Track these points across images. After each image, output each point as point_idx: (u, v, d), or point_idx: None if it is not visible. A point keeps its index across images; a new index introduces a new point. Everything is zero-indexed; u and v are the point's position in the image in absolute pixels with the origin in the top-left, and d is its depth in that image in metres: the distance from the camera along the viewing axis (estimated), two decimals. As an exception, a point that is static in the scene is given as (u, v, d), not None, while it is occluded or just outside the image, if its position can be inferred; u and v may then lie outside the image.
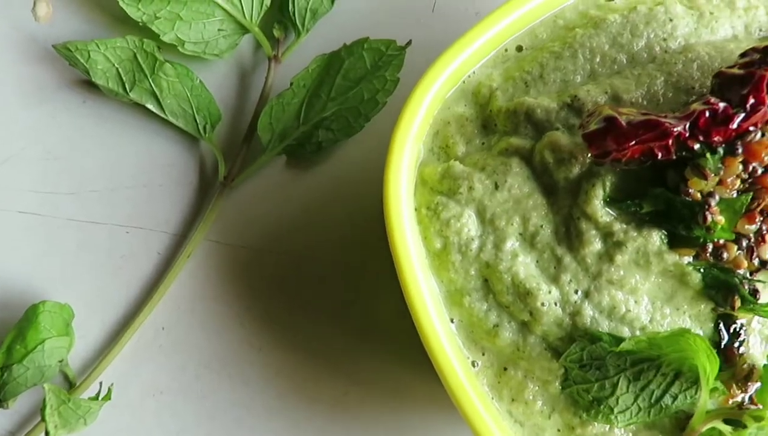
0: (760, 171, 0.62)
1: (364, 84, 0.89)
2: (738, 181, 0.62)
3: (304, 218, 0.92)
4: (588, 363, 0.67)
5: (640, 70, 0.70)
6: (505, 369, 0.70)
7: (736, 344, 0.67)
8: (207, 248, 0.90)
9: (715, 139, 0.59)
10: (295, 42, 0.92)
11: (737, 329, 0.67)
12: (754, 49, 0.64)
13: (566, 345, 0.68)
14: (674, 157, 0.60)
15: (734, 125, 0.59)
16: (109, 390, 0.82)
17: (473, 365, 0.71)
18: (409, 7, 0.97)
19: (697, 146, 0.60)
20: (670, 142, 0.59)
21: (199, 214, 0.91)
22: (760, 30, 0.74)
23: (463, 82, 0.75)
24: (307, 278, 0.90)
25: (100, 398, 0.81)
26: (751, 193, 0.62)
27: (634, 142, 0.60)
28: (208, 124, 0.90)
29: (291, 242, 0.91)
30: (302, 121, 0.89)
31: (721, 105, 0.59)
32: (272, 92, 0.91)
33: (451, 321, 0.71)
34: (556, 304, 0.68)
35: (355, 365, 0.89)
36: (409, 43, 0.89)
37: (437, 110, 0.74)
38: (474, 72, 0.75)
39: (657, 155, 0.59)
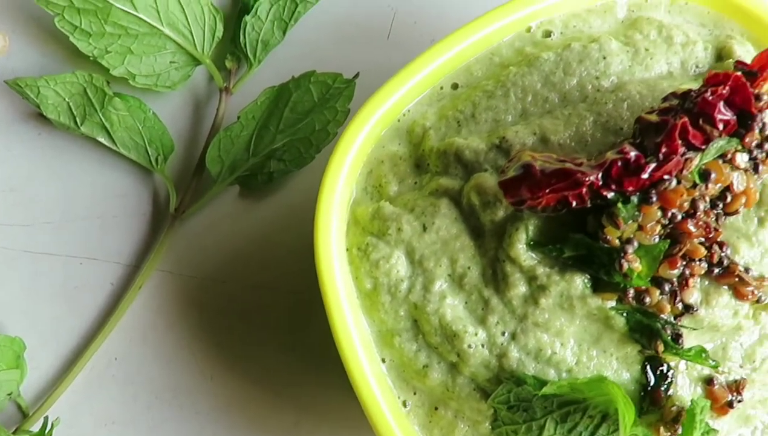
0: (680, 217, 0.62)
1: (314, 115, 0.90)
2: (658, 227, 0.62)
3: (256, 247, 0.93)
4: (515, 405, 0.67)
5: (571, 109, 0.70)
6: (436, 409, 0.71)
7: (664, 386, 0.67)
8: (159, 278, 0.91)
9: (628, 188, 0.59)
10: (247, 73, 0.93)
11: (664, 372, 0.67)
12: (674, 94, 0.63)
13: (495, 386, 0.68)
14: (589, 205, 0.60)
15: (645, 175, 0.59)
16: (53, 425, 0.83)
17: (404, 405, 0.71)
18: (365, 34, 0.98)
19: (611, 195, 0.60)
20: (584, 190, 0.59)
21: (151, 245, 0.92)
22: (697, 66, 0.74)
23: (398, 120, 0.75)
24: (258, 307, 0.91)
25: (46, 433, 0.82)
26: (669, 240, 0.62)
27: (547, 191, 0.60)
28: (160, 155, 0.91)
29: (243, 271, 0.92)
30: (252, 153, 0.90)
31: (633, 154, 0.59)
32: (224, 123, 0.92)
33: (383, 361, 0.72)
34: (483, 346, 0.68)
35: (306, 396, 0.90)
36: (356, 75, 0.90)
37: (371, 149, 0.74)
38: (409, 110, 0.75)
39: (572, 204, 0.60)
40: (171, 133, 0.93)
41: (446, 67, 0.75)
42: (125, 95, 0.90)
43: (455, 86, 0.76)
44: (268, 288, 0.92)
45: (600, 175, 0.59)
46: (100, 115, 0.88)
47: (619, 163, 0.59)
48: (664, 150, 0.59)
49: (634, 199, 0.60)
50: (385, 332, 0.71)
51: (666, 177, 0.59)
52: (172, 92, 0.94)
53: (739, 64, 0.65)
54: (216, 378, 0.90)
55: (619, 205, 0.60)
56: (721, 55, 0.74)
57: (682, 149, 0.60)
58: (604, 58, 0.73)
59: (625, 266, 0.61)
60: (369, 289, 0.71)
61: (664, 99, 0.64)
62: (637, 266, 0.62)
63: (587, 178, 0.59)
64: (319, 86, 0.88)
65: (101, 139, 0.89)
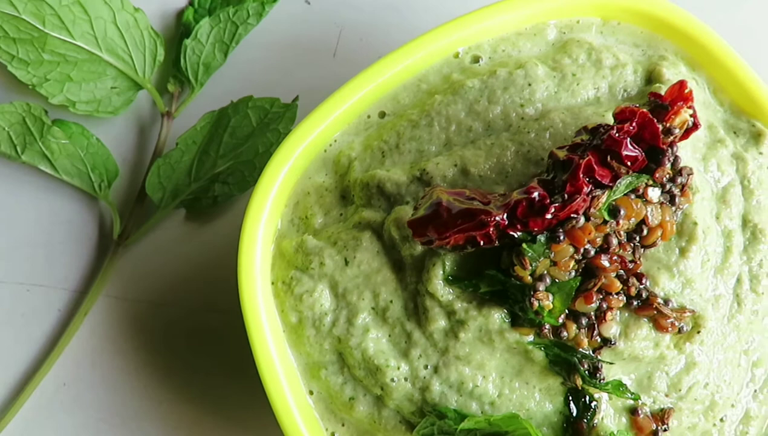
0: (593, 252, 0.62)
1: (255, 139, 0.90)
2: (572, 263, 0.62)
3: (203, 271, 0.93)
4: (439, 437, 0.67)
5: (494, 139, 0.70)
6: (364, 440, 0.71)
7: (587, 418, 0.67)
8: (106, 303, 0.92)
9: (534, 228, 0.59)
10: (190, 96, 0.93)
11: (587, 403, 0.67)
12: (585, 129, 0.63)
13: (420, 419, 0.69)
14: (497, 244, 0.60)
15: (549, 215, 0.58)
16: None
17: (332, 437, 0.72)
18: (311, 53, 0.98)
19: (517, 234, 0.60)
20: (491, 230, 0.59)
21: (98, 270, 0.93)
22: (625, 91, 0.73)
23: (325, 150, 0.75)
24: (205, 331, 0.92)
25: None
26: (580, 277, 0.62)
27: (454, 232, 0.60)
28: (104, 181, 0.91)
29: (190, 295, 0.93)
30: (194, 178, 0.90)
31: (536, 194, 0.59)
32: (167, 147, 0.92)
33: (311, 393, 0.72)
34: (405, 379, 0.68)
35: (255, 419, 0.90)
36: (295, 99, 0.90)
37: (298, 180, 0.74)
38: (336, 140, 0.75)
39: (480, 243, 0.59)
40: (116, 158, 0.93)
41: (373, 95, 0.75)
42: (67, 122, 0.91)
43: (382, 115, 0.76)
44: (216, 311, 0.92)
45: (505, 215, 0.59)
46: (40, 144, 0.88)
47: (524, 203, 0.59)
48: (569, 189, 0.59)
49: (541, 238, 0.60)
50: (311, 365, 0.71)
51: (573, 215, 0.59)
52: (117, 117, 0.94)
53: (653, 96, 0.65)
54: (165, 403, 0.91)
55: (524, 245, 0.60)
56: (650, 78, 0.74)
57: (588, 187, 0.59)
58: (530, 84, 0.72)
59: (536, 303, 0.61)
60: (294, 322, 0.71)
61: (577, 133, 0.64)
62: (548, 303, 0.61)
63: (492, 219, 0.59)
64: (257, 111, 0.88)
65: (43, 168, 0.90)
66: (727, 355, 0.70)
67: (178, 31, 0.95)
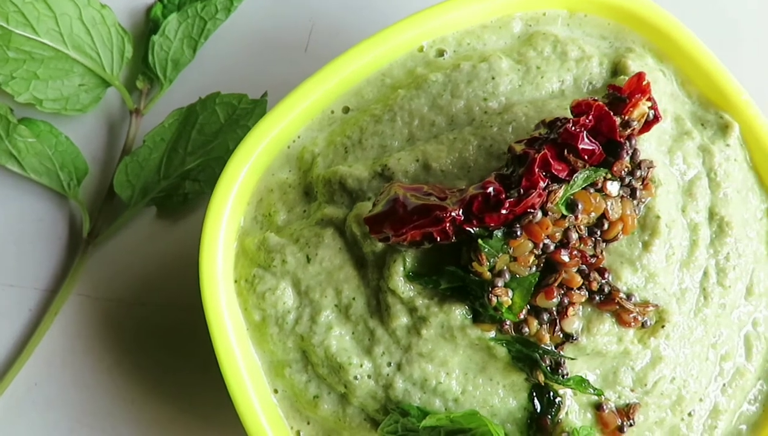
0: (552, 247, 0.61)
1: (224, 136, 0.89)
2: (531, 258, 0.61)
3: (174, 269, 0.93)
4: (403, 434, 0.67)
5: (457, 133, 0.69)
6: (330, 438, 0.71)
7: (551, 414, 0.66)
8: (77, 302, 0.92)
9: (490, 223, 0.59)
10: (159, 93, 0.93)
11: (551, 399, 0.66)
12: (542, 122, 0.62)
13: (384, 416, 0.68)
14: (454, 239, 0.60)
15: (504, 211, 0.58)
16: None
17: (298, 434, 0.72)
18: (282, 47, 0.97)
19: (474, 230, 0.59)
20: (447, 226, 0.58)
21: (68, 269, 0.92)
22: (590, 83, 0.73)
23: (288, 146, 0.74)
24: (177, 329, 0.92)
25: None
26: (538, 272, 0.62)
27: (410, 228, 0.59)
28: (73, 180, 0.91)
29: (161, 293, 0.92)
30: (163, 176, 0.90)
31: (491, 190, 0.58)
32: (135, 145, 0.92)
33: (275, 392, 0.72)
34: (369, 377, 0.68)
35: (227, 418, 0.90)
36: (264, 94, 0.89)
37: (261, 177, 0.74)
38: (299, 136, 0.75)
39: (436, 239, 0.59)
40: (86, 155, 0.93)
41: (337, 90, 0.74)
42: (35, 121, 0.90)
43: (346, 110, 0.75)
44: (188, 309, 0.92)
45: (461, 210, 0.58)
46: (7, 143, 0.88)
47: (480, 198, 0.58)
48: (524, 183, 0.58)
49: (498, 233, 0.60)
50: (275, 363, 0.71)
51: (530, 210, 0.58)
52: (86, 115, 0.93)
53: (611, 89, 0.64)
54: (137, 401, 0.91)
55: (480, 241, 0.59)
56: (616, 70, 0.73)
57: (544, 182, 0.59)
58: (493, 78, 0.71)
59: (494, 299, 0.61)
60: (258, 321, 0.71)
61: (536, 127, 0.63)
62: (507, 299, 0.61)
63: (448, 215, 0.58)
64: (225, 107, 0.88)
65: (10, 167, 0.89)
66: (694, 349, 0.70)
67: (147, 28, 0.95)
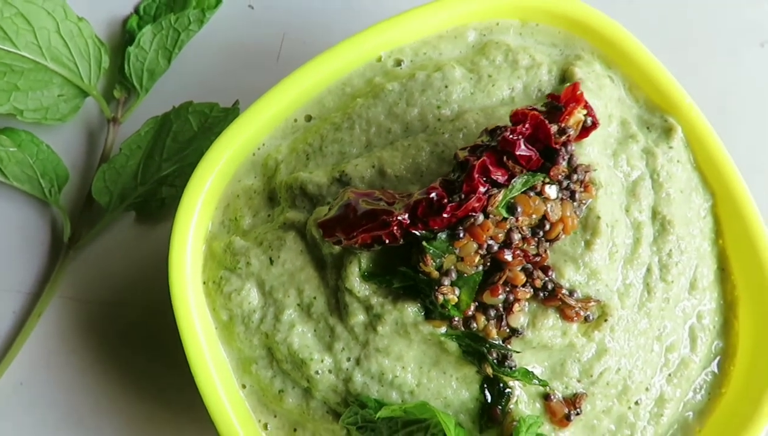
0: (496, 247, 0.66)
1: (201, 142, 0.93)
2: (477, 258, 0.65)
3: (153, 271, 0.97)
4: (364, 425, 0.71)
5: (411, 140, 0.74)
6: (295, 430, 0.76)
7: (501, 404, 0.71)
8: (60, 304, 0.96)
9: (434, 226, 0.63)
10: (136, 102, 0.97)
11: (501, 390, 0.71)
12: (485, 130, 0.67)
13: (345, 408, 0.73)
14: (402, 242, 0.64)
15: (446, 214, 0.62)
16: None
17: (266, 427, 0.76)
18: (255, 57, 1.01)
19: (420, 233, 0.64)
20: (395, 229, 0.63)
21: (51, 273, 0.97)
22: (539, 90, 0.77)
23: (254, 154, 0.79)
24: (157, 329, 0.96)
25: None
26: (482, 271, 0.66)
27: (360, 232, 0.63)
28: (54, 186, 0.95)
29: (141, 294, 0.97)
30: (140, 182, 0.94)
31: (434, 195, 0.63)
32: (113, 153, 0.96)
33: (243, 387, 0.76)
34: (329, 372, 0.72)
35: (204, 414, 0.94)
36: (236, 103, 0.94)
37: (228, 183, 0.78)
38: (264, 144, 0.79)
39: (385, 242, 0.63)
40: (66, 163, 0.97)
41: (300, 100, 0.79)
42: (16, 130, 0.95)
43: (309, 118, 0.79)
44: (167, 309, 0.95)
45: (407, 214, 0.63)
46: (-11, 152, 0.92)
47: (424, 203, 0.63)
48: (465, 188, 0.62)
49: (442, 235, 0.64)
50: (243, 360, 0.76)
51: (471, 214, 0.63)
52: (66, 124, 0.98)
53: (550, 98, 0.68)
54: (119, 399, 0.95)
55: (425, 243, 0.64)
56: (564, 77, 0.77)
57: (484, 187, 0.63)
58: (446, 86, 0.76)
59: (440, 297, 0.65)
60: (225, 320, 0.75)
61: (480, 134, 0.67)
62: (453, 296, 0.65)
63: (394, 219, 0.62)
64: (198, 116, 0.92)
65: (-6, 175, 0.94)
66: (638, 341, 0.74)
67: (124, 39, 0.99)
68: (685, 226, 0.77)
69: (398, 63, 0.80)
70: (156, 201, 0.95)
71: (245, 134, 0.77)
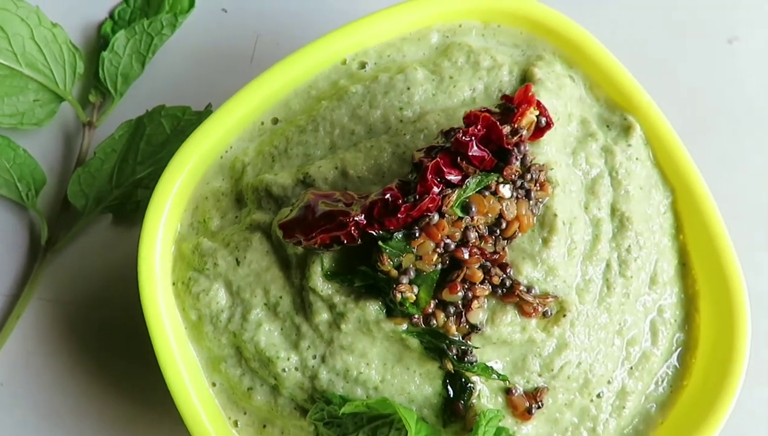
0: (453, 246, 0.67)
1: (174, 145, 0.95)
2: (435, 256, 0.67)
3: (130, 272, 0.98)
4: (330, 421, 0.73)
5: (374, 142, 0.76)
6: (265, 426, 0.78)
7: (464, 399, 0.73)
8: (38, 306, 0.98)
9: (390, 226, 0.65)
10: (111, 107, 0.99)
11: (463, 385, 0.73)
12: (441, 132, 0.69)
13: (312, 405, 0.75)
14: (359, 242, 0.66)
15: (401, 215, 0.64)
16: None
17: (236, 424, 0.78)
18: (229, 59, 1.03)
19: (377, 233, 0.65)
20: (353, 230, 0.65)
21: (29, 275, 0.98)
22: (500, 91, 0.79)
23: (221, 157, 0.81)
24: (135, 329, 0.97)
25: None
26: (439, 270, 0.68)
27: (318, 232, 0.65)
28: (31, 190, 0.97)
29: (119, 295, 0.98)
30: (115, 185, 0.96)
31: (389, 195, 0.65)
32: (89, 156, 0.98)
33: (213, 385, 0.78)
34: (296, 369, 0.74)
35: (182, 411, 0.96)
36: (208, 106, 0.95)
37: (197, 185, 0.80)
38: (231, 146, 0.81)
39: (344, 242, 0.65)
40: (44, 167, 0.99)
41: (267, 103, 0.81)
42: (-7, 135, 0.97)
43: (275, 121, 0.81)
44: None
45: (363, 215, 0.65)
46: (-34, 157, 0.94)
47: (380, 204, 0.64)
48: (419, 189, 0.64)
49: (399, 235, 0.66)
50: (212, 359, 0.78)
51: (427, 213, 0.65)
52: (43, 128, 0.99)
53: (503, 99, 0.70)
54: (98, 399, 0.97)
55: (381, 243, 0.65)
56: (525, 77, 0.79)
57: (438, 187, 0.65)
58: (408, 88, 0.77)
59: (398, 296, 0.67)
60: (194, 320, 0.77)
61: (436, 136, 0.69)
62: (411, 294, 0.67)
63: (351, 220, 0.64)
64: (170, 119, 0.94)
65: (-30, 181, 0.96)
66: (599, 335, 0.76)
67: (99, 44, 1.01)
68: (644, 222, 0.78)
69: (362, 65, 0.81)
70: (132, 203, 0.97)
71: (213, 137, 0.79)
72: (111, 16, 1.01)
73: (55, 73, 0.97)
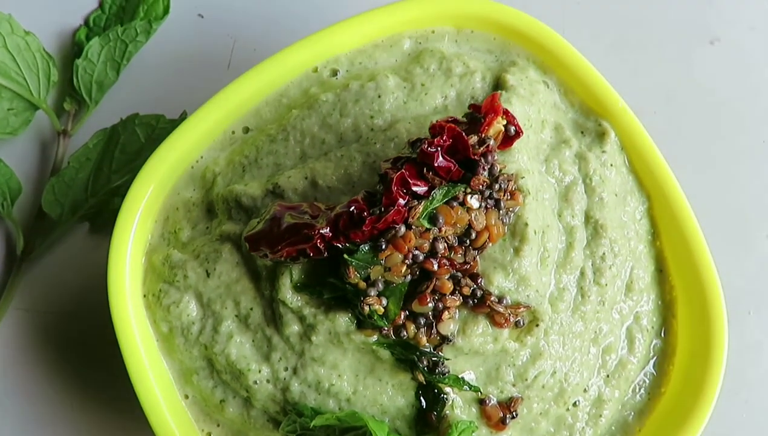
0: (422, 257, 0.67)
1: (149, 153, 0.94)
2: (404, 268, 0.66)
3: (105, 282, 0.98)
4: (302, 433, 0.73)
5: (344, 151, 0.75)
6: (238, 438, 0.77)
7: (437, 409, 0.72)
8: (15, 316, 0.98)
9: (356, 239, 0.64)
10: (86, 115, 0.98)
11: (436, 395, 0.72)
12: (409, 141, 0.68)
13: (284, 417, 0.74)
14: (326, 254, 0.65)
15: (366, 227, 0.64)
16: None
17: (208, 436, 0.78)
18: (205, 65, 1.02)
19: (344, 245, 0.65)
20: (318, 242, 0.64)
21: (5, 285, 0.98)
22: (473, 98, 0.78)
23: (192, 167, 0.80)
24: (112, 338, 0.96)
25: None
26: (407, 281, 0.67)
27: (283, 245, 0.65)
28: (7, 200, 0.97)
29: (95, 304, 0.98)
30: (91, 194, 0.95)
31: (353, 208, 0.64)
32: (64, 165, 0.97)
33: (186, 397, 0.78)
34: (267, 381, 0.74)
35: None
36: (182, 114, 0.95)
37: (167, 196, 0.79)
38: (202, 156, 0.80)
39: (310, 254, 0.65)
40: (19, 176, 0.98)
41: (237, 111, 0.80)
42: (-33, 145, 0.96)
43: (246, 130, 0.81)
44: (122, 319, 0.97)
45: (329, 228, 0.64)
46: (-60, 167, 0.94)
47: (345, 216, 0.64)
48: (384, 201, 0.64)
49: (365, 247, 0.65)
50: (184, 371, 0.77)
51: (393, 225, 0.64)
52: (17, 137, 0.99)
53: (471, 108, 0.69)
54: (76, 407, 0.97)
55: (346, 256, 0.65)
56: (498, 84, 0.78)
57: (404, 199, 0.64)
58: (379, 96, 0.77)
59: (366, 308, 0.66)
60: (165, 332, 0.76)
61: (404, 146, 0.68)
62: (379, 306, 0.67)
63: (316, 233, 0.64)
64: (144, 127, 0.93)
65: (-55, 190, 0.95)
66: (574, 344, 0.76)
67: (73, 51, 1.00)
68: (619, 229, 0.78)
69: (334, 73, 0.81)
70: (108, 212, 0.96)
71: (183, 147, 0.78)
72: (86, 23, 1.01)
73: (29, 82, 0.96)
